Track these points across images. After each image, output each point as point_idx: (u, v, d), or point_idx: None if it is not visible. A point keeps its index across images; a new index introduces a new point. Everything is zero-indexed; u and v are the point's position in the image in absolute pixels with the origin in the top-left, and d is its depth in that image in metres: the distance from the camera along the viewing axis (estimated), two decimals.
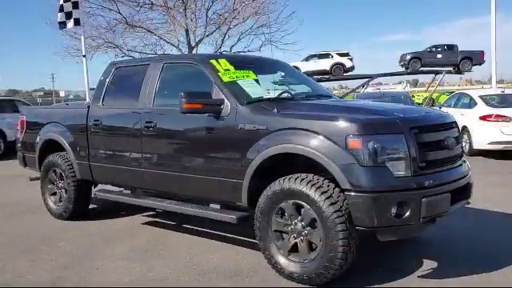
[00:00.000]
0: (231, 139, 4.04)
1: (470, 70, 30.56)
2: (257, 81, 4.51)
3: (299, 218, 3.68)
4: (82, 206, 5.87)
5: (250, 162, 3.90)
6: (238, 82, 4.34)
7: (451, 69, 29.05)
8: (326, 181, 3.58)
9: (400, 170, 3.40)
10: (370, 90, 28.48)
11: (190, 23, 19.93)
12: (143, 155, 4.81)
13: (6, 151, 13.34)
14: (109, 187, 5.67)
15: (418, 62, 29.42)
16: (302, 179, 3.61)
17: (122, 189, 5.46)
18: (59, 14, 14.08)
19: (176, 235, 5.14)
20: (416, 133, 3.52)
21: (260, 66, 4.96)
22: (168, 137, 4.61)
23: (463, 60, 29.48)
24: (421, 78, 50.26)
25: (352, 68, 30.51)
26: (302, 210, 3.65)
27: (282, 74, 5.04)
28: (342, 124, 3.47)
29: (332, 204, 3.44)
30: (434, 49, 29.86)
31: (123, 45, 20.16)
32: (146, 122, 4.72)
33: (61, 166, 5.78)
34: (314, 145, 3.53)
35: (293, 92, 4.74)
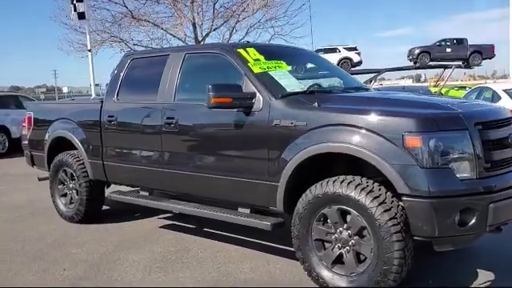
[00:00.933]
0: (264, 137, 3.64)
1: (479, 64, 30.10)
2: (290, 72, 4.09)
3: (345, 225, 3.27)
4: (94, 209, 5.47)
5: (286, 162, 3.49)
6: (270, 73, 3.92)
7: (460, 63, 28.61)
8: (377, 184, 3.17)
9: (465, 171, 2.99)
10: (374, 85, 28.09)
11: (197, 16, 19.47)
12: (163, 154, 4.40)
13: (10, 148, 12.93)
14: (124, 188, 5.29)
15: (426, 57, 28.99)
16: (350, 182, 3.20)
17: (137, 189, 5.07)
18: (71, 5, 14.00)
19: (197, 241, 4.74)
20: (480, 129, 3.10)
21: (291, 56, 4.53)
22: (192, 134, 4.20)
23: (473, 54, 29.05)
24: (427, 73, 49.59)
25: (360, 63, 30.05)
26: (349, 217, 3.24)
27: (313, 65, 4.62)
28: (398, 119, 3.05)
29: (386, 211, 3.03)
30: (443, 43, 29.41)
31: (129, 39, 19.70)
32: (167, 118, 4.31)
33: (72, 166, 5.38)
34: (364, 143, 3.11)
35: (327, 84, 4.32)
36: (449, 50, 29.56)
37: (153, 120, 4.49)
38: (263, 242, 4.49)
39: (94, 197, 5.39)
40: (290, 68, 4.12)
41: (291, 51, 4.69)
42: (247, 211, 3.94)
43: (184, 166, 4.24)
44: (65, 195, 5.65)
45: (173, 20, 19.65)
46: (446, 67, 27.79)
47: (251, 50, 4.12)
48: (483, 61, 29.79)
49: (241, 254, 4.30)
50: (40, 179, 6.17)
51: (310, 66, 4.50)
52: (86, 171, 5.28)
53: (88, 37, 16.97)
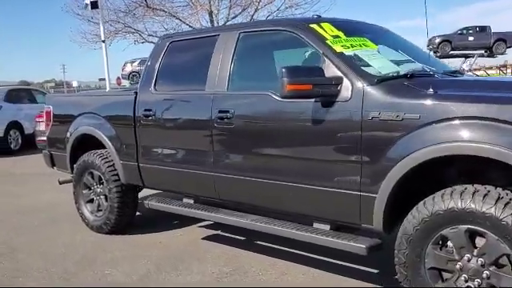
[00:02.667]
0: (355, 134, 2.83)
1: (504, 53, 28.96)
2: (379, 52, 3.27)
3: (474, 251, 2.47)
4: (127, 217, 4.72)
5: (389, 167, 2.69)
6: (357, 52, 3.11)
7: (483, 52, 27.58)
8: None
9: None
10: None
11: (214, 5, 18.66)
12: (215, 155, 3.62)
13: (23, 145, 12.24)
14: (161, 194, 4.53)
15: (447, 46, 27.87)
16: (485, 195, 2.40)
17: (168, 194, 4.33)
18: None
19: (253, 258, 3.96)
20: None
21: (372, 32, 3.69)
22: (253, 131, 3.41)
23: (497, 42, 27.96)
24: (449, 63, 48.42)
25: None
26: (481, 241, 2.44)
27: (394, 43, 3.78)
28: None
29: None
30: (464, 31, 28.32)
31: (143, 29, 18.95)
32: (220, 112, 3.52)
33: (99, 168, 4.62)
34: None
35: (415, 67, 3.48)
36: (471, 38, 28.45)
37: (201, 114, 3.71)
38: (334, 261, 3.70)
39: (127, 204, 4.64)
40: (377, 47, 3.30)
41: (370, 27, 3.85)
42: (326, 227, 3.14)
43: (243, 169, 3.45)
44: (91, 201, 4.90)
45: (188, 9, 18.87)
46: (467, 56, 26.71)
47: (326, 26, 3.31)
48: (508, 49, 28.68)
49: (312, 279, 3.52)
50: (61, 182, 5.43)
51: (391, 44, 3.64)
52: (117, 174, 4.52)
53: (102, 27, 16.26)
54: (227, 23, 19.47)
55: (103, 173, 4.59)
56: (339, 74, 2.94)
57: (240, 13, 19.05)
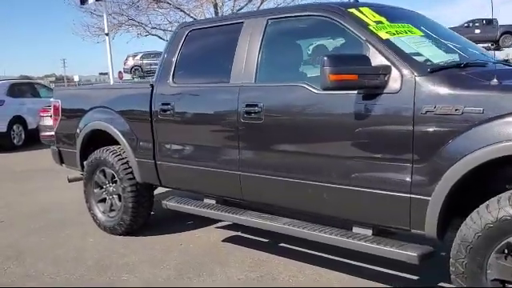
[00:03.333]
0: (406, 130, 2.54)
1: (511, 46, 28.59)
2: (425, 39, 2.98)
3: None
4: (142, 218, 4.44)
5: (445, 167, 2.41)
6: (403, 39, 2.82)
7: (489, 45, 27.21)
8: None
9: None
10: None
11: None
12: (241, 153, 3.34)
13: (27, 140, 11.95)
14: (178, 193, 4.25)
15: None
16: None
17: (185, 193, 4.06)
18: None
19: (279, 262, 3.69)
20: None
21: (414, 18, 3.38)
22: (285, 126, 3.11)
23: (504, 35, 27.63)
24: None
25: None
26: None
27: (436, 31, 3.47)
28: None
29: None
30: (470, 24, 27.98)
31: (147, 22, 18.59)
32: (247, 106, 3.23)
33: (112, 166, 4.34)
34: None
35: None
36: (477, 31, 28.09)
37: (225, 108, 3.43)
38: (369, 267, 3.43)
39: (142, 203, 4.36)
40: (423, 34, 3.00)
41: (408, 12, 3.53)
42: (367, 232, 2.86)
43: (273, 169, 3.17)
44: (103, 201, 4.63)
45: (193, 1, 18.50)
46: None
47: (366, 10, 3.02)
48: None
49: (340, 281, 3.25)
50: (70, 180, 5.16)
51: (432, 31, 3.33)
52: (132, 172, 4.24)
53: (105, 19, 15.89)
54: None
55: (116, 171, 4.31)
56: (386, 63, 2.65)
57: (246, 4, 18.68)
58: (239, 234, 4.40)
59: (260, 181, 3.25)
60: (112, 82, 16.48)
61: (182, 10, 18.27)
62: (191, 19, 18.81)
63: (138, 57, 30.37)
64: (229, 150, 3.42)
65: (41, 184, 7.19)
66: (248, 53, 3.35)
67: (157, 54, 30.28)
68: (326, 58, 2.55)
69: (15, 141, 11.65)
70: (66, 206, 5.70)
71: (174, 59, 3.88)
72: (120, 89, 4.63)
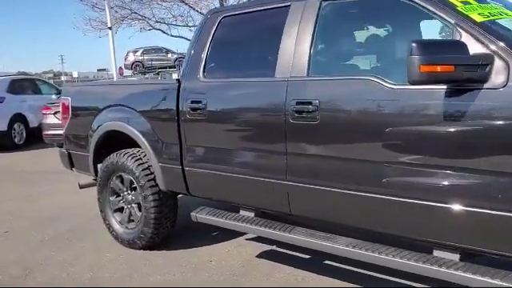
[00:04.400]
0: None
1: None
2: None
3: None
4: (165, 230, 3.94)
5: None
6: (501, 22, 2.32)
7: None
8: None
9: None
10: None
11: None
12: (290, 159, 2.83)
13: (28, 139, 11.41)
14: (206, 203, 3.74)
15: None
16: None
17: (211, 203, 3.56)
18: None
19: (327, 284, 3.20)
20: None
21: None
22: (346, 129, 2.61)
23: None
24: None
25: None
26: None
27: None
28: None
29: None
30: None
31: (150, 16, 18.01)
32: (298, 103, 2.73)
33: (132, 171, 3.84)
34: None
35: None
36: None
37: (270, 106, 2.93)
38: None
39: (165, 214, 3.86)
40: None
41: None
42: (454, 257, 2.36)
43: (332, 179, 2.67)
44: (120, 210, 4.13)
45: None
46: None
47: None
48: None
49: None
50: (82, 186, 4.65)
51: None
52: (154, 179, 3.75)
53: (108, 13, 15.37)
54: None
55: (137, 177, 3.81)
56: (486, 51, 2.14)
57: None
58: (274, 248, 3.91)
59: (314, 193, 2.75)
60: (115, 78, 15.98)
61: (186, 4, 17.69)
62: (196, 13, 18.30)
63: (139, 52, 29.85)
64: (274, 155, 2.91)
65: (45, 187, 6.69)
66: (298, 41, 2.84)
67: (157, 50, 29.77)
68: (414, 45, 2.05)
69: (16, 140, 11.11)
70: (74, 213, 5.21)
71: (205, 51, 3.37)
72: (141, 85, 4.10)
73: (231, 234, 4.07)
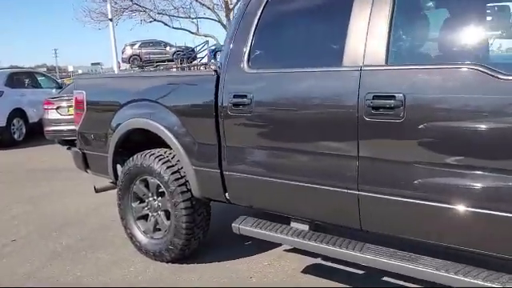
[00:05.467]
0: None
1: None
2: None
3: None
4: (197, 241, 3.49)
5: None
6: None
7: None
8: None
9: None
10: None
11: None
12: (363, 165, 2.38)
13: (28, 135, 10.89)
14: (244, 211, 3.29)
15: None
16: None
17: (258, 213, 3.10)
18: None
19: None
20: None
21: None
22: (442, 129, 2.14)
23: None
24: None
25: None
26: None
27: None
28: None
29: None
30: None
31: (151, 7, 17.49)
32: (375, 97, 2.28)
33: (159, 175, 3.38)
34: None
35: None
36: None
37: (335, 101, 2.47)
38: None
39: (198, 223, 3.41)
40: None
41: None
42: None
43: (421, 191, 2.21)
44: (144, 218, 3.68)
45: None
46: None
47: None
48: None
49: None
50: (98, 190, 4.18)
51: None
52: (186, 184, 3.29)
53: (109, 4, 14.82)
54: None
55: (165, 182, 3.35)
56: None
57: None
58: (319, 261, 3.47)
59: (394, 206, 2.30)
60: (116, 71, 15.46)
61: None
62: (198, 4, 17.77)
63: (137, 46, 29.27)
64: (342, 160, 2.46)
65: (51, 188, 6.21)
66: (372, 23, 2.38)
67: (156, 43, 29.17)
68: None
69: (15, 136, 10.60)
70: (87, 219, 4.75)
71: (249, 36, 2.90)
72: (171, 77, 3.59)
73: (266, 243, 3.60)
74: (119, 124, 3.63)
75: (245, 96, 2.82)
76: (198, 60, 27.56)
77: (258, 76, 2.81)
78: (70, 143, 9.79)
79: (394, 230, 2.39)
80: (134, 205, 3.70)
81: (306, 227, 2.80)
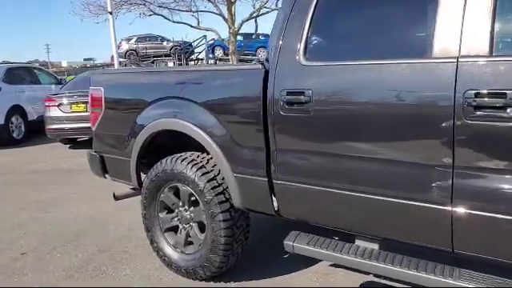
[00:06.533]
0: None
1: None
2: None
3: None
4: (235, 256, 3.09)
5: None
6: None
7: None
8: None
9: None
10: None
11: None
12: (458, 176, 1.99)
13: (27, 134, 10.41)
14: (299, 228, 2.89)
15: None
16: None
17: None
18: None
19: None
20: None
21: None
22: None
23: None
24: None
25: None
26: None
27: None
28: None
29: None
30: None
31: (151, 0, 16.97)
32: (477, 95, 1.89)
33: (193, 182, 2.97)
34: None
35: None
36: None
37: (424, 99, 2.06)
38: None
39: (237, 237, 3.01)
40: None
41: None
42: None
43: None
44: (174, 230, 3.27)
45: None
46: None
47: None
48: None
49: None
50: (118, 198, 3.77)
51: None
52: (225, 193, 2.89)
53: None
54: None
55: (200, 190, 2.95)
56: None
57: None
58: (371, 278, 3.08)
59: (499, 227, 1.91)
60: (116, 66, 14.98)
61: None
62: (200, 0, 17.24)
63: (133, 40, 28.83)
64: (430, 170, 2.06)
65: (58, 191, 5.79)
66: (468, 3, 1.97)
67: (152, 38, 28.64)
68: None
69: (14, 134, 10.13)
70: (102, 227, 4.35)
71: (306, 22, 2.49)
72: (208, 71, 3.17)
73: (311, 261, 3.23)
74: (145, 125, 3.23)
75: (301, 93, 2.41)
76: (196, 55, 27.14)
77: (319, 70, 2.41)
78: (72, 142, 9.38)
79: (498, 253, 2.00)
80: (161, 215, 3.30)
81: (375, 246, 2.41)
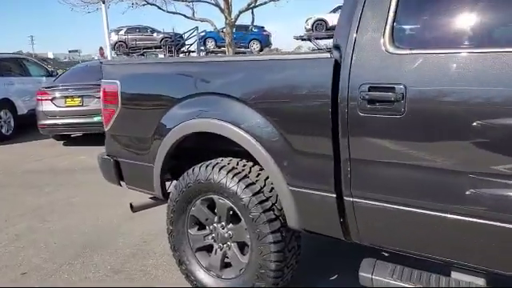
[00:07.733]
0: None
1: None
2: None
3: None
4: (284, 283, 2.59)
5: None
6: None
7: None
8: None
9: None
10: None
11: None
12: None
13: (17, 129, 9.75)
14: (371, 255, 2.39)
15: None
16: None
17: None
18: None
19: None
20: None
21: None
22: None
23: None
24: None
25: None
26: None
27: None
28: None
29: None
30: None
31: None
32: None
33: (234, 194, 2.46)
34: None
35: None
36: None
37: None
38: None
39: (289, 262, 2.51)
40: None
41: None
42: None
43: None
44: (207, 249, 2.76)
45: None
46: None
47: None
48: None
49: None
50: (135, 210, 3.24)
51: None
52: (275, 210, 2.39)
53: None
54: None
55: (243, 205, 2.44)
56: None
57: None
58: None
59: None
60: (109, 57, 14.33)
61: None
62: None
63: (122, 31, 28.10)
64: None
65: (58, 194, 5.24)
66: None
67: (142, 29, 27.89)
68: None
69: (3, 130, 9.47)
70: (112, 239, 3.83)
71: (391, 1, 1.98)
72: (256, 62, 2.61)
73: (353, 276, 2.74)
74: (173, 126, 2.70)
75: (390, 88, 1.91)
76: (187, 47, 26.45)
77: (414, 59, 1.89)
78: (66, 138, 8.77)
79: None
80: (191, 232, 2.79)
81: (481, 281, 1.92)
